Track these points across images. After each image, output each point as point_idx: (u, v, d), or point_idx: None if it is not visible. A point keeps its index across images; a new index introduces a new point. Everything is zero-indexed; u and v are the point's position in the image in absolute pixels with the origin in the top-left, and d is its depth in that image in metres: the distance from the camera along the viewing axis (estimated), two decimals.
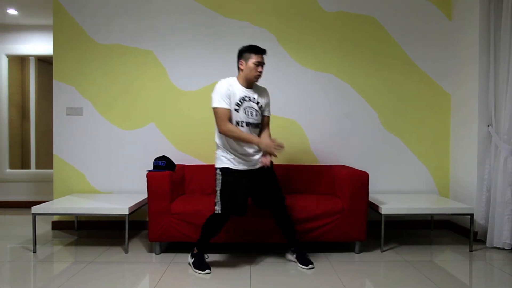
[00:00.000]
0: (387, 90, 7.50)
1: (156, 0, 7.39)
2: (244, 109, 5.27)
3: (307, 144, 7.48)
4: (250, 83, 5.40)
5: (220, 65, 7.13)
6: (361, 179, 6.00)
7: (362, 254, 6.09)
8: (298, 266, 5.50)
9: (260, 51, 5.32)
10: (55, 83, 7.40)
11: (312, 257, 5.76)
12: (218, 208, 5.23)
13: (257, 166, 5.43)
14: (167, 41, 7.38)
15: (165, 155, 6.72)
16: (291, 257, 5.70)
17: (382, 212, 6.12)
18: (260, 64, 5.30)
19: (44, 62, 10.46)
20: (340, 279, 5.04)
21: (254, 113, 5.35)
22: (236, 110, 5.23)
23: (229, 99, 5.20)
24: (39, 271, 5.35)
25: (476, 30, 6.79)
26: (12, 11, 8.77)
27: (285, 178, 6.91)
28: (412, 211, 6.22)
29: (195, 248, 5.50)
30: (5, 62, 9.74)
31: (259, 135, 5.57)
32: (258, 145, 5.24)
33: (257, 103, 5.42)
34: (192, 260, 5.43)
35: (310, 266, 5.45)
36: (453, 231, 7.41)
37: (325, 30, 7.46)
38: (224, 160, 5.30)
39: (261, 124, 5.57)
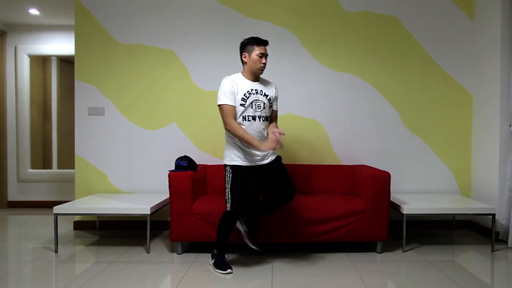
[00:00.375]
0: (408, 90, 7.47)
1: (178, 0, 7.41)
2: (251, 103, 5.27)
3: (329, 144, 7.46)
4: (255, 76, 5.42)
5: (242, 65, 7.16)
6: (383, 179, 5.99)
7: (384, 254, 6.07)
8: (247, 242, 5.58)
9: (262, 42, 5.37)
10: (77, 83, 7.44)
11: (333, 257, 5.83)
12: (228, 206, 5.27)
13: (268, 160, 5.42)
14: (189, 41, 7.38)
15: (187, 155, 6.72)
16: (240, 225, 5.60)
17: (404, 212, 6.10)
18: (264, 55, 5.34)
19: (66, 62, 10.48)
20: (362, 279, 5.04)
21: (262, 105, 5.35)
22: (243, 105, 5.23)
23: (234, 96, 5.22)
24: (60, 271, 5.36)
25: (497, 30, 6.76)
26: (34, 11, 8.81)
27: (307, 178, 6.95)
28: (433, 211, 6.20)
29: (214, 250, 5.51)
30: (27, 62, 9.78)
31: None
32: (258, 149, 5.19)
33: (266, 95, 5.42)
34: (213, 261, 5.44)
35: (259, 247, 5.63)
36: (475, 231, 7.37)
37: (346, 30, 7.44)
38: (234, 157, 5.31)
39: (270, 118, 5.58)
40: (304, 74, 7.43)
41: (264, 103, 5.37)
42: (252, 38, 5.42)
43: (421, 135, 7.49)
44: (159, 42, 7.43)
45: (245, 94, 5.24)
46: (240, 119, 5.25)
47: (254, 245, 5.55)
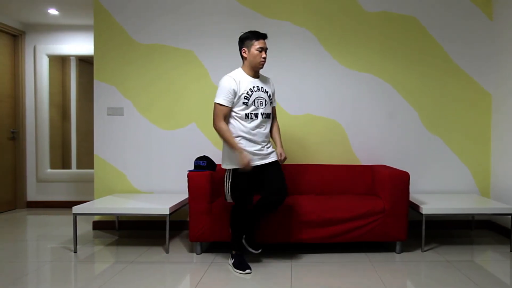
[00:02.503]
0: (427, 90, 7.46)
1: (196, 0, 7.42)
2: (254, 100, 5.27)
3: (348, 144, 7.46)
4: (255, 72, 5.42)
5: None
6: (402, 179, 5.98)
7: (403, 254, 6.07)
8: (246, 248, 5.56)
9: (261, 36, 5.34)
10: (96, 83, 7.47)
11: (352, 257, 5.85)
12: (228, 197, 5.41)
13: (266, 161, 5.39)
14: (208, 41, 7.40)
15: (206, 155, 6.73)
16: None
17: (423, 212, 6.08)
18: (263, 49, 5.31)
19: (84, 62, 10.54)
20: (381, 279, 5.04)
21: (263, 102, 5.35)
22: (245, 104, 5.23)
23: (233, 97, 5.21)
24: (80, 271, 5.38)
25: None
26: (53, 11, 8.85)
27: (326, 178, 6.97)
28: (452, 211, 6.18)
29: (233, 250, 5.52)
30: (46, 62, 9.82)
31: (271, 127, 5.65)
32: (238, 153, 5.16)
33: (266, 92, 5.43)
34: (232, 261, 5.45)
35: (258, 251, 5.64)
36: (494, 231, 7.35)
37: (365, 30, 7.44)
38: (234, 160, 5.27)
39: (271, 115, 5.60)
40: (323, 74, 7.42)
41: (265, 100, 5.39)
42: (250, 32, 5.41)
43: (440, 135, 7.47)
44: (178, 42, 7.45)
45: (247, 92, 5.25)
46: (243, 117, 5.26)
47: (251, 247, 5.57)
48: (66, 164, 10.47)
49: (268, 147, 5.46)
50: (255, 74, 5.42)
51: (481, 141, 7.50)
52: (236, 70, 5.43)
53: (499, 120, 7.26)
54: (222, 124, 5.19)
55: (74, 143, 10.33)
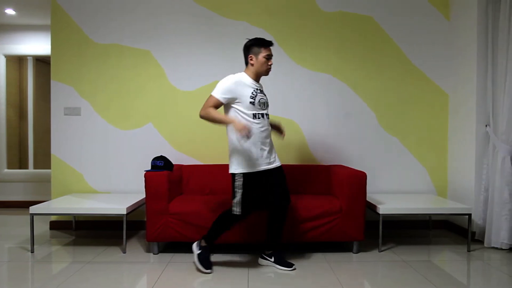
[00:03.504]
0: (385, 91, 7.51)
1: (154, 0, 7.39)
2: (259, 101, 5.24)
3: (305, 144, 7.48)
4: (259, 77, 5.40)
5: (218, 64, 7.13)
6: (359, 179, 6.00)
7: (360, 254, 6.09)
8: (279, 269, 5.47)
9: (268, 44, 5.33)
10: (53, 83, 7.41)
11: (310, 257, 5.87)
12: (237, 210, 5.19)
13: (274, 165, 5.37)
14: (165, 41, 7.37)
15: (163, 155, 6.72)
16: (266, 261, 5.62)
17: (380, 212, 6.12)
18: (270, 57, 5.31)
19: (42, 62, 10.46)
20: (338, 279, 5.05)
21: (265, 104, 5.37)
22: (252, 103, 5.19)
23: (229, 95, 5.15)
24: (37, 271, 5.35)
25: (474, 30, 6.80)
26: (10, 11, 8.77)
27: None
28: (410, 211, 6.23)
29: (203, 240, 5.47)
30: (3, 62, 9.73)
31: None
32: (232, 124, 5.09)
33: (265, 95, 5.43)
34: (199, 252, 5.39)
35: (293, 267, 5.47)
36: (451, 231, 7.42)
37: (323, 30, 7.47)
38: (243, 165, 5.21)
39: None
40: (280, 73, 7.44)
41: (266, 102, 5.41)
42: (257, 39, 5.38)
43: (397, 135, 7.53)
44: (135, 42, 7.42)
45: (252, 92, 5.21)
46: (251, 116, 5.21)
47: (284, 265, 5.50)
48: (23, 164, 10.39)
49: (273, 151, 5.49)
50: (257, 79, 5.40)
51: (438, 142, 7.58)
52: (241, 73, 5.35)
53: (456, 121, 7.33)
54: (210, 110, 5.13)
55: (31, 143, 10.23)
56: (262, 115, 5.29)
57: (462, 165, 7.15)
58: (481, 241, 6.63)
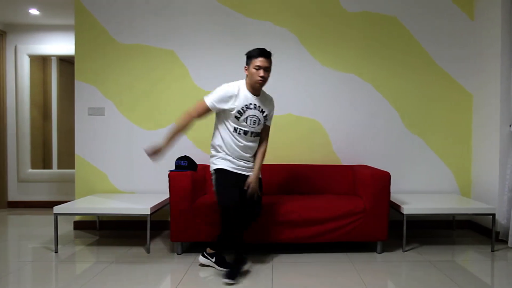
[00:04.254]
0: (409, 90, 7.48)
1: (178, 0, 7.42)
2: (247, 118, 5.19)
3: (329, 144, 7.47)
4: (255, 89, 5.26)
5: (242, 65, 7.08)
6: (383, 179, 6.00)
7: (384, 254, 6.08)
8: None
9: (261, 54, 5.14)
10: (77, 83, 7.45)
11: (334, 257, 5.87)
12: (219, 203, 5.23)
13: (247, 173, 5.34)
14: (189, 41, 7.37)
15: (187, 155, 6.71)
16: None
17: (404, 212, 6.10)
18: (261, 68, 5.09)
19: (66, 62, 10.49)
20: (362, 279, 5.05)
21: (257, 121, 5.26)
22: (237, 118, 5.16)
23: (221, 104, 5.17)
24: (61, 271, 5.36)
25: (498, 30, 6.76)
26: (33, 11, 8.82)
27: (307, 179, 6.98)
28: (433, 211, 6.21)
29: (208, 249, 5.51)
30: (27, 62, 9.79)
31: (258, 147, 5.51)
32: (154, 147, 5.32)
33: (262, 111, 5.32)
34: (214, 259, 5.40)
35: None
36: (475, 231, 7.38)
37: (347, 30, 7.45)
38: (220, 163, 5.27)
39: (261, 133, 5.50)
40: (305, 74, 7.43)
41: (259, 120, 5.29)
42: (254, 49, 5.23)
43: (421, 135, 7.50)
44: (159, 42, 7.43)
45: (242, 108, 5.15)
46: (232, 130, 5.22)
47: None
48: (47, 164, 10.42)
49: (250, 163, 5.43)
50: (255, 92, 5.27)
51: (462, 141, 7.54)
52: (241, 81, 5.32)
53: (480, 120, 7.29)
54: (188, 116, 5.18)
55: (55, 143, 10.26)
56: (246, 132, 5.24)
57: (486, 165, 7.11)
58: (505, 241, 6.59)
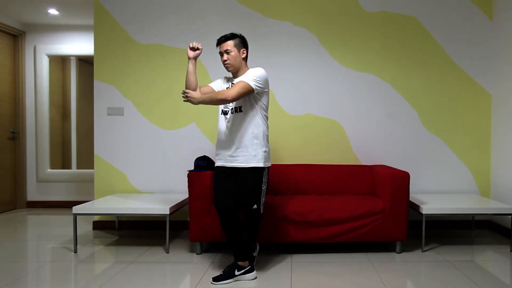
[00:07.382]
0: (427, 90, 7.46)
1: (197, 0, 7.43)
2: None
3: (348, 144, 7.47)
4: (233, 74, 5.31)
5: (261, 64, 7.10)
6: (402, 179, 5.98)
7: (403, 254, 6.08)
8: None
9: (217, 44, 5.28)
10: (96, 83, 7.49)
11: (353, 257, 5.88)
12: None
13: (234, 164, 5.09)
14: (208, 41, 7.28)
15: (206, 155, 6.73)
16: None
17: (423, 212, 6.09)
18: (222, 53, 5.18)
19: (85, 62, 10.55)
20: (381, 279, 5.04)
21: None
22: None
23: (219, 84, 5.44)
24: (80, 271, 5.40)
25: None
26: (53, 11, 8.87)
27: (326, 178, 6.96)
28: (453, 211, 6.19)
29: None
30: (46, 62, 9.84)
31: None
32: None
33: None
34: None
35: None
36: (494, 231, 7.35)
37: (366, 30, 7.45)
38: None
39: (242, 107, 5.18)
40: (324, 74, 7.44)
41: None
42: None
43: (440, 135, 7.48)
44: (178, 42, 7.46)
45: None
46: (220, 113, 5.29)
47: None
48: (66, 164, 10.47)
49: (231, 150, 5.14)
50: (234, 75, 5.31)
51: (481, 141, 7.51)
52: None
53: (499, 120, 7.26)
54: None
55: (74, 143, 10.32)
56: (225, 112, 5.22)
57: (505, 164, 7.08)
58: None
